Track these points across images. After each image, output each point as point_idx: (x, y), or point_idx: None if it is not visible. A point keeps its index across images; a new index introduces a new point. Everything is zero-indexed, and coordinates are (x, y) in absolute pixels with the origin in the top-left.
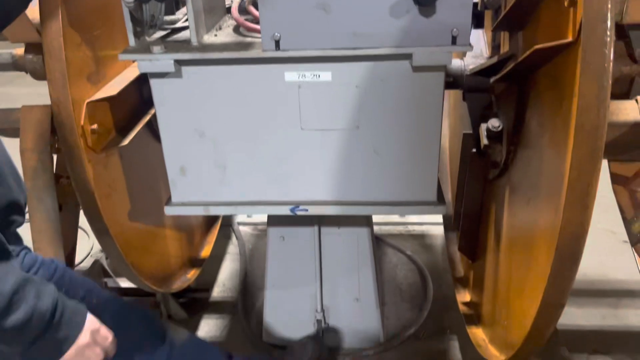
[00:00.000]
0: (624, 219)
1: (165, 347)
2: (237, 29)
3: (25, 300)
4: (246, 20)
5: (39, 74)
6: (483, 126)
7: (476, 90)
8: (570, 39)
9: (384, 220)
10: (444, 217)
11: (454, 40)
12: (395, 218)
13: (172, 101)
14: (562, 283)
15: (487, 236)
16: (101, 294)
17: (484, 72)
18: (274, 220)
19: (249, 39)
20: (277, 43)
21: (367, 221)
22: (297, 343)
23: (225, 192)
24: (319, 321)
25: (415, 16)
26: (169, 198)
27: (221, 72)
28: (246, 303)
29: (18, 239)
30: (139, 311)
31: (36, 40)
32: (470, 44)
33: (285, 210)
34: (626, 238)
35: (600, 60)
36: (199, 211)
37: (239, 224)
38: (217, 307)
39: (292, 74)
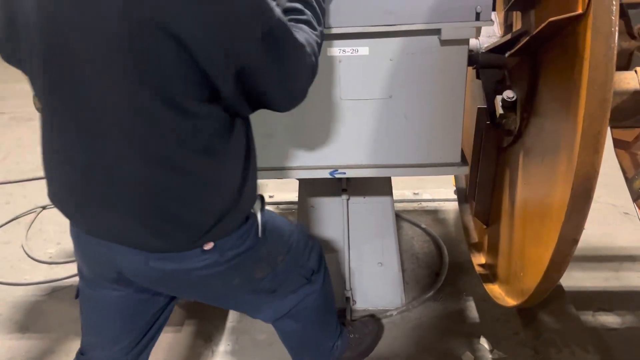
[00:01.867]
0: (626, 178)
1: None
2: None
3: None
4: None
5: None
6: (498, 98)
7: (490, 66)
8: (580, 11)
9: (399, 197)
10: (458, 191)
11: (477, 17)
12: (409, 195)
13: None
14: (576, 218)
15: (501, 200)
16: None
17: (497, 49)
18: (305, 191)
19: None
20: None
21: (389, 191)
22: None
23: (272, 158)
24: (347, 299)
25: None
26: None
27: None
28: None
29: None
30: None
31: None
32: (491, 19)
33: (325, 174)
34: (627, 210)
35: (608, 25)
36: None
37: None
38: None
39: (334, 49)
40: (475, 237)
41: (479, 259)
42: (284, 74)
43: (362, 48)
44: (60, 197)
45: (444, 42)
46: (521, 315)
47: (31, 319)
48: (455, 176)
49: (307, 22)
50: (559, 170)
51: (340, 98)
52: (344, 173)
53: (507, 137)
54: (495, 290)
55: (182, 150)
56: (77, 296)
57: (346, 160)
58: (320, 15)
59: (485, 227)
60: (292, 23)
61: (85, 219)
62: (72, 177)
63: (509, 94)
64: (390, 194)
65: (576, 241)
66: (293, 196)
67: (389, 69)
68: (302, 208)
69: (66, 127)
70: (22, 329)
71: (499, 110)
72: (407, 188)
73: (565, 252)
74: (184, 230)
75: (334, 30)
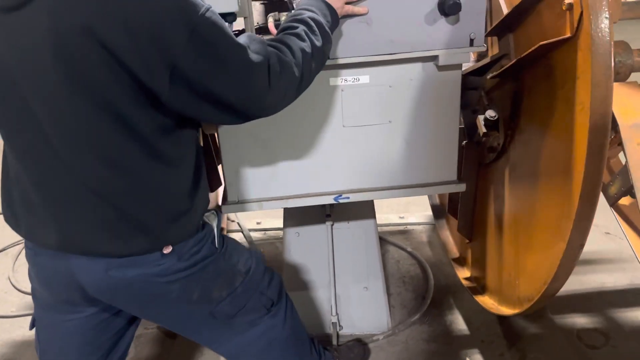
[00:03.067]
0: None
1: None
2: None
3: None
4: None
5: None
6: (480, 117)
7: (469, 88)
8: (568, 34)
9: (385, 221)
10: (432, 207)
11: (471, 42)
12: (395, 219)
13: None
14: (583, 225)
15: (485, 214)
16: None
17: (476, 72)
18: (289, 219)
19: None
20: None
21: (372, 214)
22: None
23: (276, 188)
24: (334, 324)
25: (441, 24)
26: (225, 198)
27: None
28: None
29: None
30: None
31: None
32: (484, 44)
33: (329, 200)
34: (608, 230)
35: (606, 46)
36: (254, 207)
37: (250, 230)
38: None
39: (335, 79)
40: (455, 252)
41: (463, 273)
42: (229, 76)
43: (363, 76)
44: (16, 216)
45: (441, 68)
46: (506, 336)
47: (19, 351)
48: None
49: (296, 35)
50: (556, 182)
51: (342, 126)
52: (348, 198)
53: (490, 154)
54: (486, 301)
55: (130, 154)
56: (32, 327)
57: (349, 185)
58: (317, 30)
59: (467, 241)
60: (280, 35)
61: (43, 233)
62: (28, 194)
63: (491, 113)
64: (374, 217)
65: (582, 246)
66: (280, 222)
67: (389, 95)
68: (287, 235)
69: (16, 144)
70: None
71: (482, 129)
72: (392, 212)
73: (573, 257)
74: (141, 231)
75: (340, 61)
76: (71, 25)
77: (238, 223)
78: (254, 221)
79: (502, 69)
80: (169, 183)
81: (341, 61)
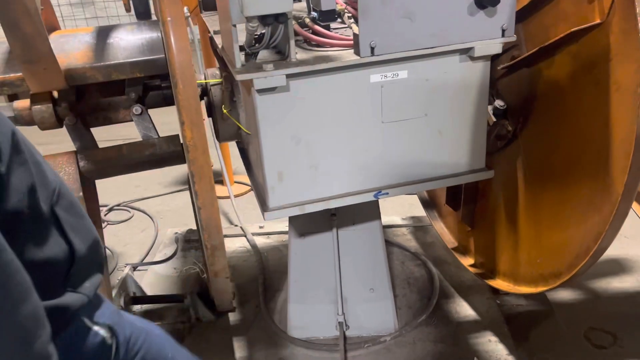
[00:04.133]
0: None
1: None
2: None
3: None
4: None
5: (47, 124)
6: (489, 107)
7: None
8: (598, 20)
9: (389, 223)
10: (421, 200)
11: (503, 33)
12: (398, 221)
13: (276, 113)
14: (630, 195)
15: (491, 201)
16: None
17: None
18: (294, 221)
19: (320, 53)
20: (373, 49)
21: (377, 215)
22: None
23: (317, 190)
24: (340, 323)
25: (478, 16)
26: (266, 204)
27: (320, 81)
28: (268, 303)
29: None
30: None
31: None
32: (514, 35)
33: (369, 197)
34: None
35: None
36: (295, 211)
37: (253, 234)
38: (241, 309)
39: (376, 76)
40: (453, 241)
41: (466, 261)
42: None
43: (402, 72)
44: None
45: (475, 59)
46: (514, 336)
47: None
48: None
49: None
50: (588, 159)
51: (382, 122)
52: (387, 194)
53: (499, 142)
54: (500, 284)
55: None
56: None
57: (387, 181)
58: None
59: (469, 230)
60: None
61: None
62: None
63: (500, 102)
64: (379, 218)
65: (627, 214)
66: (283, 226)
67: (425, 88)
68: (293, 237)
69: None
70: None
71: (492, 119)
72: (395, 214)
73: (617, 227)
74: None
75: (384, 57)
76: None
77: (241, 227)
78: (256, 225)
79: (519, 57)
80: None
81: (384, 57)
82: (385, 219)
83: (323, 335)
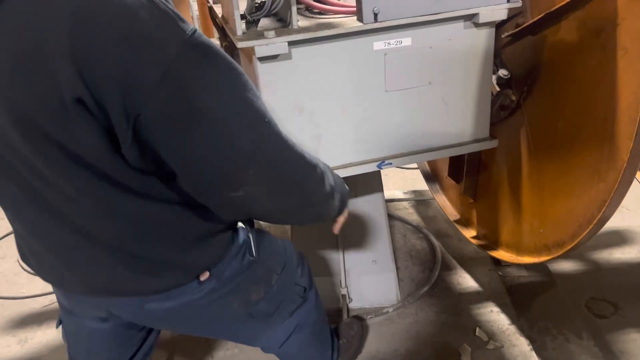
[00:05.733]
0: None
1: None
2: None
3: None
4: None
5: None
6: (492, 77)
7: None
8: None
9: (390, 197)
10: (423, 173)
11: None
12: (400, 194)
13: (278, 81)
14: (635, 162)
15: (494, 172)
16: None
17: None
18: None
19: (323, 20)
20: (376, 16)
21: (380, 187)
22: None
23: (321, 159)
24: (343, 296)
25: None
26: None
27: (322, 49)
28: None
29: None
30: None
31: None
32: (519, 0)
33: (372, 167)
34: None
35: None
36: None
37: None
38: None
39: (379, 43)
40: (455, 214)
41: (469, 233)
42: (200, 151)
43: (405, 39)
44: (42, 268)
45: (479, 25)
46: (515, 306)
47: (30, 331)
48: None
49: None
50: (594, 127)
51: (385, 90)
52: (391, 164)
53: (502, 112)
54: (502, 254)
55: (146, 202)
56: (58, 325)
57: (391, 151)
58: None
59: (472, 201)
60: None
61: (71, 283)
62: (50, 254)
63: (503, 72)
64: (381, 190)
65: (631, 182)
66: None
67: (429, 56)
68: None
69: (32, 206)
70: (21, 341)
71: (495, 88)
72: (397, 188)
73: (621, 196)
74: (172, 268)
75: (387, 23)
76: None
77: None
78: None
79: (525, 24)
80: (184, 216)
81: (387, 24)
82: (387, 193)
83: (326, 306)
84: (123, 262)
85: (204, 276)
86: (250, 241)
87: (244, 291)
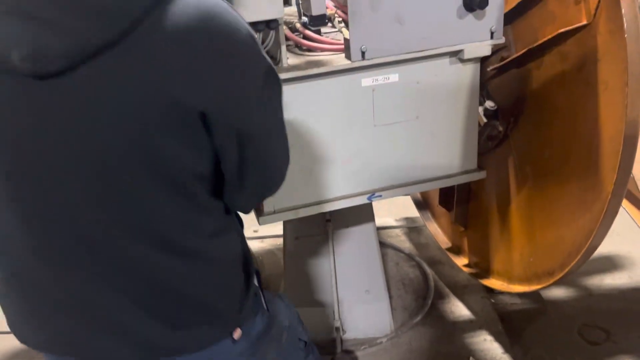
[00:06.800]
0: None
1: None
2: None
3: None
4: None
5: None
6: (480, 108)
7: None
8: (585, 21)
9: (382, 224)
10: (414, 201)
11: (492, 35)
12: (392, 222)
13: None
14: (620, 192)
15: (483, 201)
16: None
17: None
18: (289, 225)
19: (312, 57)
20: (363, 54)
21: (371, 217)
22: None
23: (311, 193)
24: (337, 328)
25: (467, 19)
26: (260, 210)
27: (312, 86)
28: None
29: None
30: None
31: None
32: (502, 36)
33: (363, 200)
34: None
35: (636, 27)
36: (290, 216)
37: (248, 238)
38: None
39: (367, 80)
40: (447, 242)
41: (461, 261)
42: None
43: (393, 75)
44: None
45: (464, 61)
46: (509, 334)
47: None
48: None
49: None
50: (578, 157)
51: (374, 125)
52: (381, 196)
53: (490, 143)
54: (494, 283)
55: (191, 230)
56: None
57: (380, 184)
58: None
59: (462, 230)
60: None
61: (72, 343)
62: (36, 297)
63: (490, 103)
64: (373, 220)
65: (616, 213)
66: (277, 229)
67: (416, 91)
68: (288, 241)
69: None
70: None
71: (483, 119)
72: (389, 215)
73: (607, 226)
74: (209, 316)
75: (374, 61)
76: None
77: None
78: (250, 229)
79: (509, 58)
80: (227, 251)
81: (375, 61)
82: (379, 220)
83: (320, 338)
84: (161, 309)
85: (237, 333)
86: (261, 295)
87: (263, 353)
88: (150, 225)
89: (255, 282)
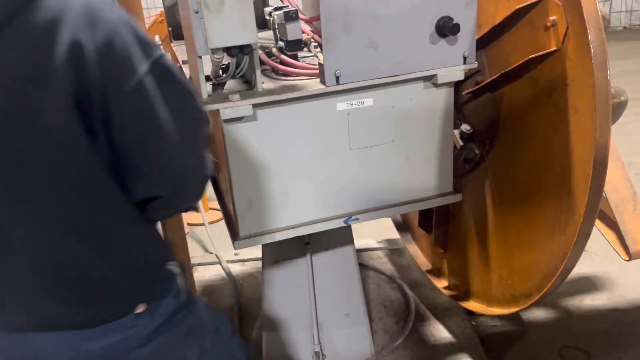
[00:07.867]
0: None
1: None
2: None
3: None
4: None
5: None
6: (455, 132)
7: None
8: (554, 47)
9: (364, 246)
10: (395, 223)
11: (464, 60)
12: (373, 244)
13: (244, 142)
14: (591, 216)
15: (461, 224)
16: None
17: None
18: (268, 249)
19: (287, 82)
20: (338, 79)
21: (351, 240)
22: None
23: (288, 217)
24: (316, 353)
25: (440, 45)
26: (236, 233)
27: (287, 110)
28: (244, 331)
29: None
30: None
31: None
32: (475, 61)
33: (340, 223)
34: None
35: (603, 54)
36: (266, 239)
37: (228, 261)
38: None
39: (342, 104)
40: (427, 264)
41: (440, 283)
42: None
43: (368, 99)
44: None
45: (438, 85)
46: (489, 356)
47: None
48: None
49: None
50: (551, 180)
51: (349, 149)
52: (357, 219)
53: (466, 165)
54: (473, 305)
55: (99, 216)
56: None
57: (357, 207)
58: None
59: (442, 252)
60: None
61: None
62: None
63: (466, 127)
64: (352, 243)
65: (589, 235)
66: (258, 252)
67: (391, 115)
68: (266, 265)
69: None
70: None
71: (459, 143)
72: (371, 237)
73: (580, 248)
74: (112, 294)
75: (348, 86)
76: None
77: (216, 255)
78: (231, 252)
79: (483, 83)
80: (136, 238)
81: (349, 86)
82: (361, 242)
83: None
84: (67, 288)
85: (140, 308)
86: (179, 284)
87: (177, 343)
88: (54, 209)
89: (175, 269)
